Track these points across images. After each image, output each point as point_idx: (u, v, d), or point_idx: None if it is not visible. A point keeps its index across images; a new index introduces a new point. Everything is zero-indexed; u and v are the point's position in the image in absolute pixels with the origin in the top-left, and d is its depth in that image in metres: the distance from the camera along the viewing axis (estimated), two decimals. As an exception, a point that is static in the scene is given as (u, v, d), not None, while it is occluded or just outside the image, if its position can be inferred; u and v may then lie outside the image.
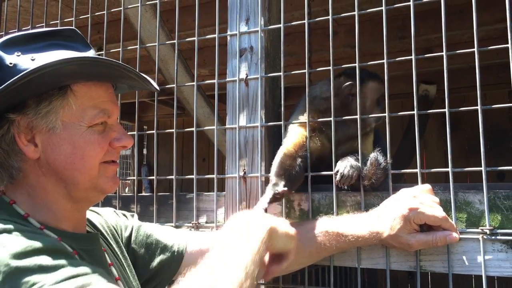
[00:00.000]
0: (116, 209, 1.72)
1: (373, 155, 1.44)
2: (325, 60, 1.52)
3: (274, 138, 1.64)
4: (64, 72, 0.89)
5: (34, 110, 0.90)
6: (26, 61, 0.89)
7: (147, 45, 1.91)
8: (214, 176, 1.64)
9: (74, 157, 0.93)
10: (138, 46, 1.84)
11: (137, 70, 1.78)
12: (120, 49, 1.83)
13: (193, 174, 1.65)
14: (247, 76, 1.65)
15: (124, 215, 1.26)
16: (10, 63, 0.89)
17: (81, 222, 1.03)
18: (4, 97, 0.85)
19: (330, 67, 1.49)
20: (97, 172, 0.96)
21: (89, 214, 1.08)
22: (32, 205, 0.94)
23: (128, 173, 6.63)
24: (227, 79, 1.68)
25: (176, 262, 1.19)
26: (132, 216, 1.26)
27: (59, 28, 0.99)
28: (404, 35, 3.15)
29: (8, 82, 0.84)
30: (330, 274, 1.44)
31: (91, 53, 0.97)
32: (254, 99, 1.64)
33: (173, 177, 1.71)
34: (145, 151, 6.21)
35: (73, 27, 1.01)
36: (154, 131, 1.75)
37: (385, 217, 1.18)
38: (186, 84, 1.87)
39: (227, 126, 1.67)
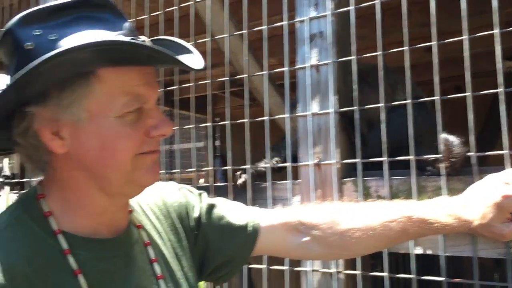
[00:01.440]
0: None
1: (442, 136, 1.37)
2: (398, 41, 1.46)
3: (348, 124, 1.60)
4: (89, 56, 0.75)
5: (57, 101, 0.78)
6: (47, 42, 0.76)
7: (217, 37, 1.93)
8: (287, 164, 1.64)
9: (103, 153, 0.82)
10: (208, 39, 1.87)
11: (208, 63, 1.83)
12: (191, 43, 1.87)
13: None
14: (318, 62, 1.62)
15: (191, 192, 1.14)
16: (28, 45, 0.77)
17: (118, 218, 0.94)
18: (20, 88, 0.75)
19: (406, 47, 1.43)
20: (131, 166, 0.84)
21: (143, 193, 0.94)
22: (63, 201, 0.87)
23: (202, 165, 6.80)
24: (298, 66, 1.67)
25: (251, 243, 1.12)
26: (200, 195, 1.14)
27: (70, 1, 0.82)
28: (484, 10, 2.96)
29: (23, 72, 0.72)
30: (412, 262, 1.39)
31: (125, 26, 0.82)
32: (326, 85, 1.61)
33: (246, 166, 1.72)
34: (217, 143, 6.33)
35: None
36: (227, 122, 1.78)
37: (474, 205, 1.10)
38: (256, 74, 1.87)
39: (299, 113, 1.65)
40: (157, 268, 0.96)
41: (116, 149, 0.82)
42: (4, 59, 0.84)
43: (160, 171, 0.93)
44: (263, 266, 1.64)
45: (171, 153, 6.87)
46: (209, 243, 1.11)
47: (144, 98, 0.84)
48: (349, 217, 1.14)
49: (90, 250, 0.87)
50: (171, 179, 2.01)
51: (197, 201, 1.12)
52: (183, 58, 0.87)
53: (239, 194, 1.76)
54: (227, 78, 1.81)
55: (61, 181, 0.87)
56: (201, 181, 5.88)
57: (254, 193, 1.73)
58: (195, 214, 1.10)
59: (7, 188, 2.78)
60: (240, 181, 1.73)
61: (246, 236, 1.12)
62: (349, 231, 1.11)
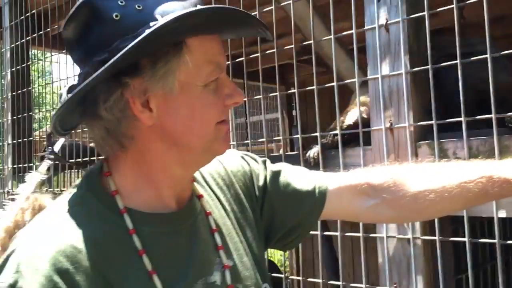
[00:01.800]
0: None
1: None
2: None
3: (422, 85, 1.53)
4: (183, 26, 0.77)
5: (151, 72, 0.79)
6: (133, 12, 0.78)
7: (282, 4, 1.90)
8: (358, 130, 1.60)
9: (192, 122, 0.84)
10: (273, 6, 1.85)
11: (276, 33, 1.80)
12: (257, 12, 1.85)
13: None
14: (387, 21, 1.55)
15: (255, 159, 1.11)
16: (116, 16, 0.78)
17: (185, 189, 0.94)
18: (119, 62, 0.76)
19: (482, -2, 1.33)
20: (213, 134, 0.86)
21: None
22: (136, 176, 0.88)
23: (277, 135, 6.81)
24: (366, 28, 1.60)
25: (319, 208, 1.08)
26: (264, 162, 1.11)
27: None
28: None
29: (129, 46, 0.74)
30: (494, 227, 1.32)
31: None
32: (397, 44, 1.53)
33: (317, 134, 1.70)
34: (294, 112, 6.30)
35: None
36: (294, 90, 1.76)
37: None
38: (323, 38, 1.82)
39: (369, 76, 1.60)
40: (218, 238, 0.96)
41: (203, 117, 0.84)
42: (73, 32, 0.84)
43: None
44: (337, 233, 1.63)
45: (246, 125, 6.97)
46: (275, 211, 1.09)
47: (222, 67, 0.86)
48: (422, 178, 1.07)
49: (156, 226, 0.88)
50: (247, 151, 2.04)
51: (261, 169, 1.10)
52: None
53: (310, 165, 1.75)
54: (292, 46, 1.78)
55: (139, 154, 0.87)
56: (281, 151, 5.91)
57: (325, 160, 1.71)
58: (260, 182, 1.08)
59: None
60: (311, 154, 1.72)
61: (314, 201, 1.09)
62: (423, 193, 1.05)
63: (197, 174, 1.02)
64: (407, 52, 1.51)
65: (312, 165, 1.74)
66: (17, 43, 3.24)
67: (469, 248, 1.36)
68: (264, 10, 1.88)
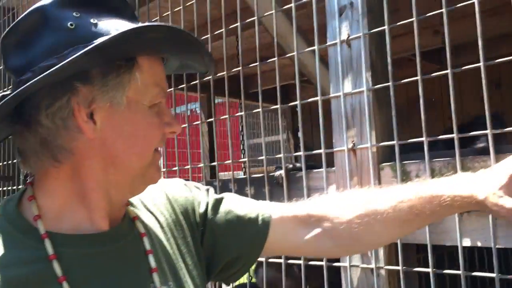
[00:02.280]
0: (232, 192, 1.70)
1: None
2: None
3: (386, 103, 1.43)
4: (134, 41, 0.79)
5: (101, 82, 0.78)
6: (88, 25, 0.79)
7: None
8: (321, 151, 1.51)
9: (135, 140, 0.82)
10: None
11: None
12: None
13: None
14: (348, 37, 1.47)
15: (197, 187, 1.09)
16: (71, 25, 0.78)
17: (116, 211, 0.91)
18: (69, 67, 0.75)
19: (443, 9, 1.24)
20: (151, 158, 0.85)
21: (146, 190, 0.92)
22: (65, 195, 0.84)
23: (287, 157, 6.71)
24: (328, 43, 1.53)
25: (262, 236, 1.03)
26: (207, 190, 1.09)
27: None
28: None
29: (82, 51, 0.73)
30: (460, 255, 1.20)
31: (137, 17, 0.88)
32: (358, 61, 1.45)
33: (281, 155, 1.62)
34: (299, 134, 6.21)
35: None
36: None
37: (487, 177, 0.92)
38: (284, 56, 1.73)
39: (331, 95, 1.51)
40: (152, 260, 0.90)
41: (146, 137, 0.84)
42: (18, 37, 0.82)
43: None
44: (300, 262, 1.53)
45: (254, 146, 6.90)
46: (216, 239, 1.04)
47: (166, 93, 0.87)
48: (357, 203, 1.01)
49: (80, 247, 0.83)
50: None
51: (203, 197, 1.06)
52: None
53: (274, 185, 1.66)
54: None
55: (73, 170, 0.83)
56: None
57: (290, 183, 1.62)
58: (201, 209, 1.04)
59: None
60: (276, 174, 1.64)
61: (256, 229, 1.04)
62: (357, 218, 0.98)
63: (135, 200, 0.98)
64: (369, 69, 1.43)
65: (278, 185, 1.65)
66: None
67: (433, 280, 1.25)
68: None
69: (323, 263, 1.48)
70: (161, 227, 0.98)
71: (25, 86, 0.74)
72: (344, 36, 1.48)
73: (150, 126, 0.84)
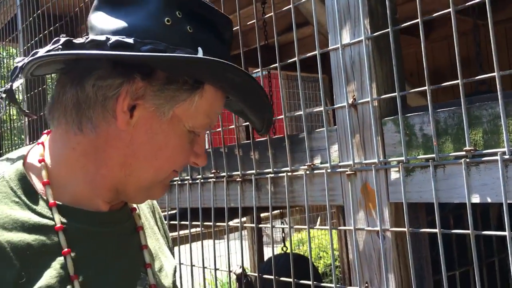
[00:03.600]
0: (238, 155, 1.64)
1: None
2: None
3: (387, 52, 1.31)
4: (216, 72, 0.78)
5: (160, 86, 0.77)
6: (182, 29, 0.77)
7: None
8: (321, 108, 1.41)
9: (159, 153, 0.80)
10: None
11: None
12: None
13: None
14: (345, -19, 1.35)
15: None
16: (168, 21, 0.77)
17: (118, 200, 0.90)
18: (153, 60, 0.74)
19: None
20: (165, 176, 0.84)
21: None
22: (77, 167, 0.81)
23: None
24: (324, -10, 1.41)
25: None
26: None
27: (218, 11, 0.83)
28: None
29: (179, 55, 0.73)
30: (468, 213, 1.09)
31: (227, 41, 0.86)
32: (356, 7, 1.33)
33: (282, 116, 1.53)
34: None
35: (229, 18, 0.85)
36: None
37: None
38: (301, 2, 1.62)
39: (329, 47, 1.40)
40: (147, 255, 0.89)
41: (172, 156, 0.82)
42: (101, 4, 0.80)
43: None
44: (305, 227, 1.46)
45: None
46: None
47: (212, 127, 0.88)
48: None
49: (82, 222, 0.81)
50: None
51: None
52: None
53: (278, 148, 1.58)
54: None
55: (94, 149, 0.80)
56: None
57: (292, 145, 1.53)
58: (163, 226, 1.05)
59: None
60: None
61: None
62: None
63: None
64: (366, 15, 1.30)
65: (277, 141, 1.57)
66: (28, 45, 3.28)
67: (441, 240, 1.15)
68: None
69: (327, 227, 1.40)
70: (150, 224, 0.98)
71: (96, 52, 0.73)
72: (340, -19, 1.36)
73: (180, 149, 0.82)
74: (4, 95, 0.81)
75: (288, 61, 1.50)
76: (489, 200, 1.09)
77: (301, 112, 1.48)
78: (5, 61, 4.30)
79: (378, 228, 1.28)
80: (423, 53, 1.17)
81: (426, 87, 1.17)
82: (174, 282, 0.96)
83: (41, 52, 0.75)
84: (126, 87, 0.75)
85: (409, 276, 1.26)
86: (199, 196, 1.85)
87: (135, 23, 0.76)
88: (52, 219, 0.77)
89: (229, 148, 1.76)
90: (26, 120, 3.33)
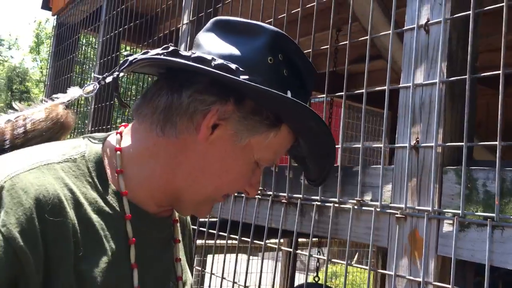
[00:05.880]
0: (287, 177, 1.63)
1: None
2: None
3: (461, 99, 1.26)
4: (297, 117, 0.83)
5: (245, 114, 0.81)
6: (279, 71, 0.83)
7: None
8: (380, 145, 1.37)
9: (224, 174, 0.84)
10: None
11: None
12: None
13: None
14: (428, 21, 1.31)
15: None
16: (270, 60, 0.82)
17: (167, 208, 0.92)
18: (238, 86, 0.78)
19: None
20: (216, 196, 0.87)
21: None
22: (154, 164, 0.83)
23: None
24: (405, 27, 1.37)
25: None
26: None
27: (309, 61, 0.88)
28: None
29: (261, 86, 0.77)
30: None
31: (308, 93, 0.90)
32: (436, 49, 1.29)
33: (339, 146, 1.50)
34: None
35: (315, 69, 0.90)
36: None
37: None
38: (382, 33, 1.59)
39: (400, 85, 1.36)
40: (179, 268, 0.93)
41: (232, 179, 0.85)
42: (232, 27, 0.86)
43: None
44: (344, 262, 1.41)
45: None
46: None
47: (274, 163, 0.96)
48: None
49: (139, 220, 0.83)
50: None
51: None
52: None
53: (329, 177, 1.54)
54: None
55: (175, 152, 0.83)
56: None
57: (344, 176, 1.49)
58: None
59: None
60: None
61: None
62: None
63: None
64: (445, 58, 1.26)
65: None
66: (107, 36, 3.43)
67: (486, 307, 1.07)
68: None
69: (366, 267, 1.35)
70: (183, 238, 1.01)
71: (206, 68, 0.77)
72: (422, 21, 1.32)
73: (242, 175, 0.86)
74: (105, 82, 0.87)
75: (355, 92, 1.48)
76: (547, 274, 1.01)
77: (359, 145, 1.44)
78: (83, 48, 4.50)
79: (420, 279, 1.22)
80: (499, 106, 1.12)
81: (496, 142, 1.10)
82: None
83: (151, 53, 0.80)
84: (218, 106, 0.79)
85: (445, 337, 1.18)
86: (242, 210, 1.84)
87: (242, 53, 0.81)
88: (114, 207, 0.80)
89: (280, 168, 1.74)
90: (93, 106, 3.46)
